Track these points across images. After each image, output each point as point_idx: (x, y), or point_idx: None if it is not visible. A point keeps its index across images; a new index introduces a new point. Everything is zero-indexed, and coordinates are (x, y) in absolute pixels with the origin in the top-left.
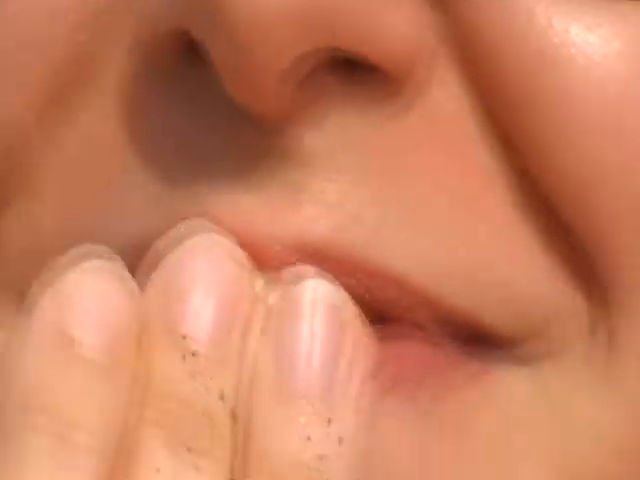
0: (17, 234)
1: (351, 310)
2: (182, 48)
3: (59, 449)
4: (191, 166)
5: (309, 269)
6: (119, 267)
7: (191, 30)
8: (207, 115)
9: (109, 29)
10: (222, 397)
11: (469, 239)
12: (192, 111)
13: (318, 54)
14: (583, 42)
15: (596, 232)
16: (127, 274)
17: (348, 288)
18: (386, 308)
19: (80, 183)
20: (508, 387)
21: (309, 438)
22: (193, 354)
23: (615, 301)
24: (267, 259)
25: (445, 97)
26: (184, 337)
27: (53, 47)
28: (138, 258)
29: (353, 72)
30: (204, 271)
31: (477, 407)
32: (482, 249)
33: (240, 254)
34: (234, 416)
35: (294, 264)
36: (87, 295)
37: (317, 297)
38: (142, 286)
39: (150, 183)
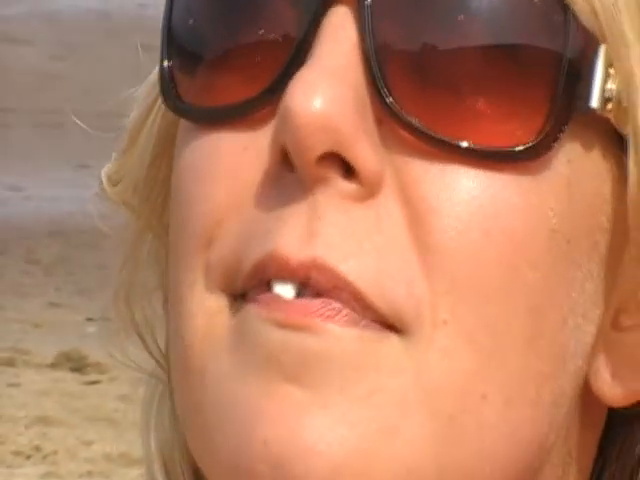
0: (224, 247)
1: None
2: (282, 158)
3: None
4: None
5: None
6: None
7: (283, 142)
8: (284, 190)
9: (255, 169)
10: None
11: (394, 275)
12: (278, 191)
13: (329, 156)
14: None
15: (444, 278)
16: None
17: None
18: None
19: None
20: (393, 345)
21: None
22: None
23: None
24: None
25: (387, 199)
26: None
27: (230, 180)
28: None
29: (350, 177)
30: None
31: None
32: (394, 279)
33: None
34: None
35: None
36: None
37: None
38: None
39: (253, 233)
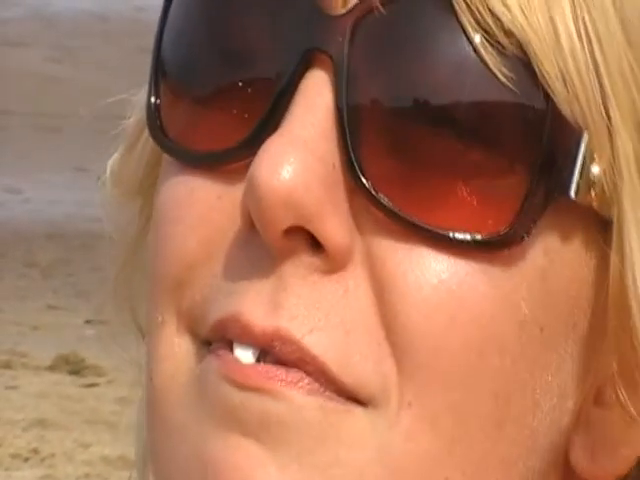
0: (196, 293)
1: None
2: (251, 222)
3: None
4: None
5: None
6: None
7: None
8: (252, 254)
9: (227, 219)
10: None
11: (361, 351)
12: (246, 253)
13: (296, 229)
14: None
15: (410, 361)
16: None
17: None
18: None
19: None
20: (357, 419)
21: None
22: None
23: (404, 390)
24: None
25: (355, 273)
26: None
27: (203, 227)
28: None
29: (317, 250)
30: None
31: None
32: (362, 354)
33: None
34: None
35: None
36: None
37: None
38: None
39: (220, 289)
